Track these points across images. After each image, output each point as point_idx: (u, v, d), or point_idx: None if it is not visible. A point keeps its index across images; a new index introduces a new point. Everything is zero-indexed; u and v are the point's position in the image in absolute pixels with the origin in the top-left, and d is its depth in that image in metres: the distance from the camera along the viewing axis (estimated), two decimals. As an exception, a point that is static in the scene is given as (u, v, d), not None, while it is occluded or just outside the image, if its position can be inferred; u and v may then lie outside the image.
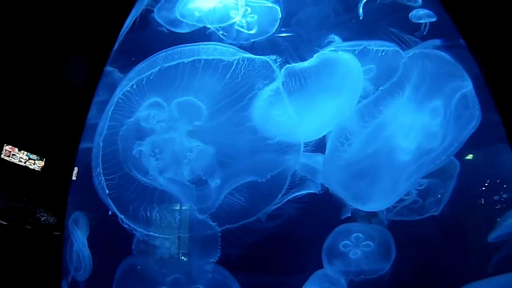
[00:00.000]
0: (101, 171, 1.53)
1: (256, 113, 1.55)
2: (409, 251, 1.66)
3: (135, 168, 1.52)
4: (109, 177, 1.53)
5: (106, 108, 1.58)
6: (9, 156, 5.97)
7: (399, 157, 1.61)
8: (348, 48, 1.65)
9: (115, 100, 1.53)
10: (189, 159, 1.50)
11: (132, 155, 1.50)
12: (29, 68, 5.13)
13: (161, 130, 1.51)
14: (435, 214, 1.65)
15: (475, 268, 1.70)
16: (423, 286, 1.66)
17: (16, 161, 6.06)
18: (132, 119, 1.52)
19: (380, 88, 1.57)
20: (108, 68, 2.05)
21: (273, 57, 1.56)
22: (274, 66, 1.55)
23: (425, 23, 1.87)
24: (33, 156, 6.28)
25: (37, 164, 6.29)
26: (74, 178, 2.20)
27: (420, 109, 1.61)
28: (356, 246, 1.69)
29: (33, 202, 6.02)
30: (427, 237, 1.70)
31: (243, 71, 1.53)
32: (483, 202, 1.77)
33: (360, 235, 1.69)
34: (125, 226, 1.56)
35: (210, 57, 1.50)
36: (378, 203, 1.66)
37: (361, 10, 1.85)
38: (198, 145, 1.51)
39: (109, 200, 1.54)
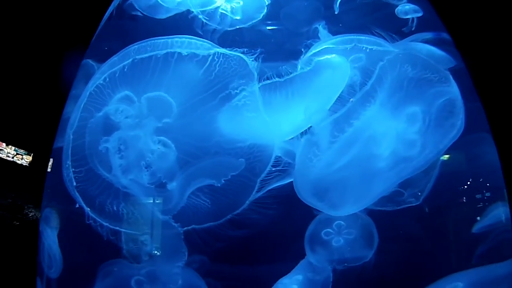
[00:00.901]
0: (70, 163, 1.50)
1: (227, 113, 1.51)
2: (392, 240, 1.66)
3: (100, 163, 1.50)
4: (76, 170, 1.51)
5: (79, 100, 1.55)
6: None
7: (374, 164, 1.59)
8: (338, 47, 1.63)
9: (88, 92, 1.50)
10: (148, 160, 1.47)
11: (98, 150, 1.48)
12: (16, 62, 5.09)
13: (128, 126, 1.48)
14: (416, 204, 1.64)
15: (459, 258, 1.69)
16: (406, 275, 1.65)
17: (3, 156, 6.03)
18: (101, 113, 1.49)
19: (351, 99, 1.53)
20: (86, 61, 2.01)
21: (251, 57, 1.51)
22: (251, 65, 1.50)
23: (412, 18, 1.85)
24: (21, 151, 6.24)
25: (24, 159, 6.26)
26: (49, 170, 2.15)
27: (395, 115, 1.58)
28: (338, 234, 1.67)
29: (21, 198, 5.99)
30: (409, 227, 1.68)
31: (217, 68, 1.48)
32: (467, 193, 1.77)
33: (342, 222, 1.67)
34: (91, 221, 1.54)
35: (183, 51, 1.46)
36: (350, 209, 1.64)
37: (337, 5, 1.82)
38: (158, 148, 1.48)
39: (76, 192, 1.52)
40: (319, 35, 1.72)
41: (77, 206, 1.55)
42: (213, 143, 1.49)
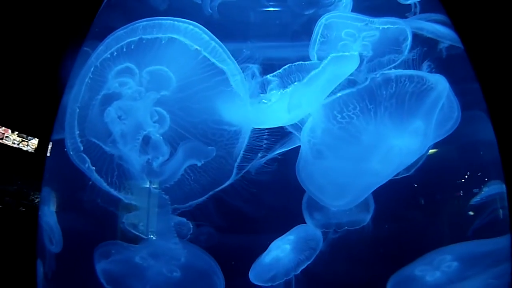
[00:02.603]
0: (75, 133, 1.56)
1: (220, 96, 1.55)
2: (387, 208, 1.70)
3: (98, 133, 1.55)
4: (82, 140, 1.57)
5: (81, 74, 1.59)
6: (2, 139, 5.98)
7: (372, 168, 1.63)
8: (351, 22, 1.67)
9: (92, 66, 1.54)
10: (145, 131, 1.53)
11: (98, 121, 1.53)
12: (19, 49, 5.11)
13: (129, 96, 1.53)
14: (408, 175, 1.69)
15: (455, 229, 1.75)
16: (402, 243, 1.71)
17: (9, 143, 6.07)
18: (103, 84, 1.54)
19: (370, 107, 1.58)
20: (85, 48, 2.05)
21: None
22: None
23: (415, 3, 1.88)
24: (26, 138, 6.29)
25: (30, 146, 6.31)
26: (48, 154, 2.21)
27: (399, 134, 1.63)
28: None
29: (27, 184, 6.05)
30: (404, 196, 1.72)
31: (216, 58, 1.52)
32: (464, 168, 1.82)
33: None
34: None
35: (181, 38, 1.51)
36: (348, 202, 1.70)
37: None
38: (155, 119, 1.53)
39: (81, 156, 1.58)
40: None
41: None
42: (202, 119, 1.55)
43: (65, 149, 1.65)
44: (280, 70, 1.61)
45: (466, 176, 1.81)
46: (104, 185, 1.60)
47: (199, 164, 1.54)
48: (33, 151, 6.35)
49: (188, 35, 1.51)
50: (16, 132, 6.20)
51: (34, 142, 6.37)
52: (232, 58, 1.54)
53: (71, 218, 1.92)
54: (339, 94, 1.62)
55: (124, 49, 1.51)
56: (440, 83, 1.63)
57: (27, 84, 5.75)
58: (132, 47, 1.50)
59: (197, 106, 1.55)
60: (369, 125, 1.59)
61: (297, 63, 1.62)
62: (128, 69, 1.52)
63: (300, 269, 1.73)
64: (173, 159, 1.54)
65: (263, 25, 1.91)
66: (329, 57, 1.60)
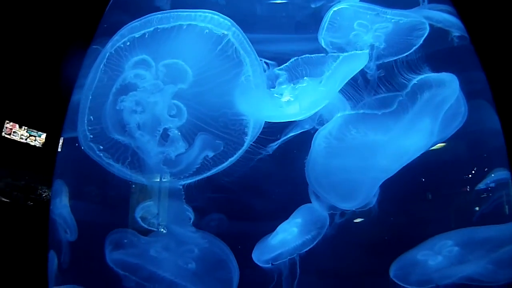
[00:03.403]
0: (87, 120, 1.58)
1: (238, 90, 1.56)
2: (393, 192, 1.71)
3: (113, 124, 1.56)
4: (92, 128, 1.59)
5: (96, 62, 1.60)
6: (10, 134, 6.04)
7: (380, 164, 1.66)
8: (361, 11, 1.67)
9: (106, 54, 1.55)
10: (162, 123, 1.53)
11: (113, 110, 1.54)
12: (27, 43, 5.14)
13: (145, 89, 1.54)
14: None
15: (459, 215, 1.77)
16: (406, 227, 1.75)
17: (17, 138, 6.13)
18: (119, 74, 1.54)
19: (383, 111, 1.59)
20: (93, 47, 2.05)
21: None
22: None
23: (423, -8, 1.89)
24: (34, 133, 6.34)
25: (38, 141, 6.36)
26: (59, 149, 2.22)
27: (407, 132, 1.64)
28: None
29: (34, 179, 6.10)
30: (410, 182, 1.73)
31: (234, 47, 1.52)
32: (470, 155, 1.84)
33: None
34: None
35: (204, 25, 1.52)
36: (356, 202, 1.70)
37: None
38: (172, 111, 1.54)
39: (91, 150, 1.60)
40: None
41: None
42: (220, 114, 1.57)
43: (77, 143, 1.67)
44: (287, 64, 1.62)
45: (471, 164, 1.82)
46: (116, 172, 1.62)
47: (210, 155, 1.57)
48: (41, 146, 6.41)
49: (212, 22, 1.51)
50: (24, 128, 6.26)
51: (42, 137, 6.43)
52: (253, 48, 1.54)
53: (84, 208, 1.96)
54: (362, 112, 1.63)
55: (140, 40, 1.52)
56: (451, 84, 1.64)
57: (35, 81, 5.79)
58: (147, 38, 1.51)
59: (214, 99, 1.57)
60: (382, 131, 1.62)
61: (304, 56, 1.62)
62: (145, 61, 1.53)
63: (306, 249, 1.74)
64: (190, 151, 1.56)
65: (270, 17, 1.93)
66: (340, 57, 1.60)
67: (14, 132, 6.11)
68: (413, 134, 1.64)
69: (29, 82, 5.81)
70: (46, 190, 6.11)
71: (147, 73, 1.54)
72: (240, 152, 1.59)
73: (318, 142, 1.65)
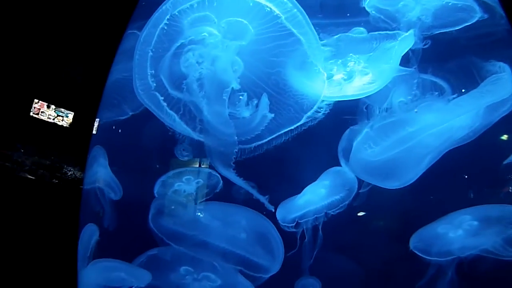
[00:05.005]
0: (149, 74, 1.61)
1: (294, 57, 1.59)
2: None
3: (172, 78, 1.60)
4: (152, 79, 1.62)
5: (153, 19, 1.62)
6: (37, 114, 6.18)
7: (425, 152, 1.68)
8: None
9: (168, 13, 1.57)
10: (223, 78, 1.56)
11: (173, 64, 1.58)
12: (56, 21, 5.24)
13: (208, 44, 1.57)
14: None
15: (489, 190, 1.80)
16: (429, 201, 1.79)
17: (44, 118, 6.26)
18: (180, 30, 1.58)
19: (415, 110, 1.65)
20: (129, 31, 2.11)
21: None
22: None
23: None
24: (62, 114, 6.48)
25: (65, 121, 6.51)
26: (94, 132, 2.30)
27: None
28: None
29: (60, 158, 6.25)
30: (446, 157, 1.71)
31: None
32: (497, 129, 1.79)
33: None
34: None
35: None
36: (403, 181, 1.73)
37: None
38: (234, 67, 1.58)
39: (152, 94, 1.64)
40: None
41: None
42: (275, 71, 1.60)
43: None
44: (332, 39, 1.64)
45: (500, 138, 1.84)
46: (171, 125, 1.66)
47: (269, 116, 1.59)
48: (68, 126, 6.56)
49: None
50: (52, 108, 6.40)
51: (69, 117, 6.57)
52: (311, 25, 1.57)
53: (127, 168, 2.03)
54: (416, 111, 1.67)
55: (206, 4, 1.54)
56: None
57: (65, 61, 5.93)
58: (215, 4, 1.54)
59: (271, 59, 1.59)
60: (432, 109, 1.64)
61: (348, 34, 1.65)
62: (207, 17, 1.56)
63: (332, 211, 1.78)
64: (256, 112, 1.58)
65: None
66: (395, 46, 1.62)
67: (42, 112, 6.25)
68: (460, 113, 1.65)
69: (59, 63, 5.95)
70: (71, 169, 6.26)
71: (210, 28, 1.57)
72: (297, 110, 1.62)
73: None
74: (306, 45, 1.57)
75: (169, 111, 1.64)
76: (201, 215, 1.85)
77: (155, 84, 1.62)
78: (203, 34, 1.57)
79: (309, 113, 1.63)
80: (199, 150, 1.76)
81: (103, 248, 2.03)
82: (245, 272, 1.75)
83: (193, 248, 1.75)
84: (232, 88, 1.59)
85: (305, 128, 1.64)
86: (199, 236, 1.76)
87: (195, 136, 1.68)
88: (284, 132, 1.63)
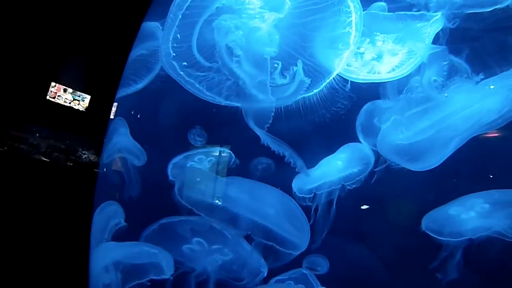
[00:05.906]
0: (173, 38, 1.59)
1: (326, 32, 1.58)
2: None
3: (202, 44, 1.58)
4: (176, 45, 1.60)
5: None
6: (54, 98, 6.26)
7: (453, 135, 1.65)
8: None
9: None
10: (261, 50, 1.54)
11: (206, 30, 1.57)
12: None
13: (245, 13, 1.55)
14: None
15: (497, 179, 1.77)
16: (442, 183, 1.79)
17: (61, 102, 6.36)
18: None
19: (446, 94, 1.61)
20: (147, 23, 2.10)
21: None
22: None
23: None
24: (78, 97, 6.57)
25: (81, 105, 6.60)
26: (112, 116, 2.31)
27: (482, 94, 1.63)
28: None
29: (75, 141, 6.35)
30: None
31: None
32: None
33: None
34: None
35: None
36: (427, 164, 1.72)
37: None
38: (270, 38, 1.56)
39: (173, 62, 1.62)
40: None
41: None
42: (310, 45, 1.59)
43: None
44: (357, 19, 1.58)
45: None
46: (193, 91, 1.65)
47: (307, 82, 1.58)
48: (84, 110, 6.65)
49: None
50: (69, 91, 6.49)
51: (86, 101, 6.65)
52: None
53: (148, 134, 2.04)
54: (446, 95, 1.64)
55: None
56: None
57: (85, 46, 5.99)
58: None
59: (307, 33, 1.58)
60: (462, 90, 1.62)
61: (370, 11, 1.62)
62: None
63: (348, 184, 1.79)
64: (292, 82, 1.57)
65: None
66: (425, 26, 1.60)
67: (58, 95, 6.34)
68: (489, 95, 1.64)
69: (78, 47, 6.02)
70: (85, 153, 6.37)
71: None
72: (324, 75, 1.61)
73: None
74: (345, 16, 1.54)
75: (186, 78, 1.62)
76: (229, 186, 1.84)
77: (182, 49, 1.61)
78: (238, 3, 1.56)
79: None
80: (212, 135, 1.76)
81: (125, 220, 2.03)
82: (277, 248, 1.73)
83: (224, 220, 1.74)
84: (268, 57, 1.58)
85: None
86: (230, 208, 1.75)
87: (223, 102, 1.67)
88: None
